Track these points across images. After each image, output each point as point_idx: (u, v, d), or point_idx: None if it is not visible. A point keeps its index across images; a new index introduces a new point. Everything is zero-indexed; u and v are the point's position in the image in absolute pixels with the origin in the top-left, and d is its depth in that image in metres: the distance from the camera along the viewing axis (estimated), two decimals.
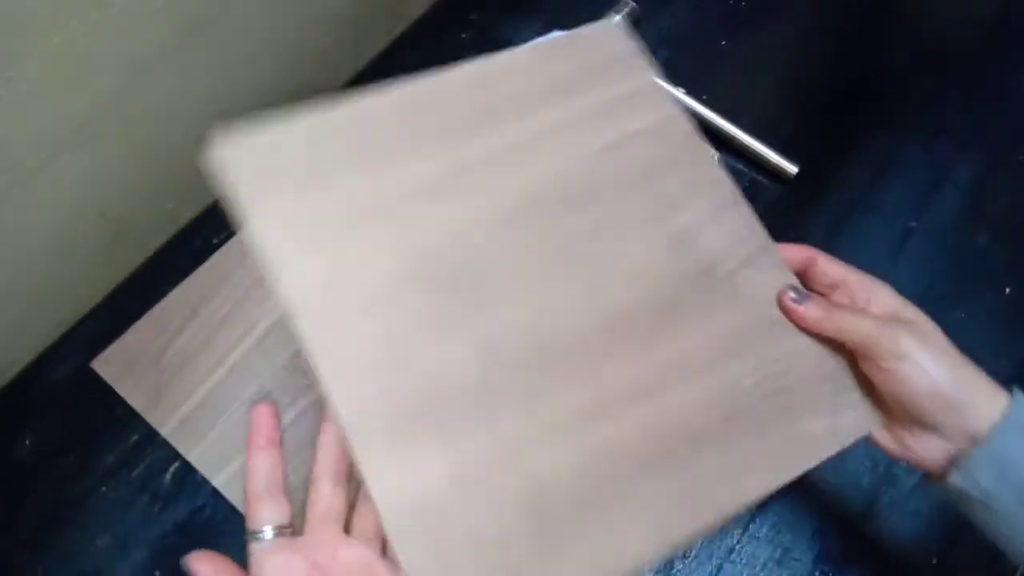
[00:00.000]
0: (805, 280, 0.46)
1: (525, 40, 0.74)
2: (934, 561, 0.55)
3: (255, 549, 0.40)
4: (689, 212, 0.45)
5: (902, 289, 0.63)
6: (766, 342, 0.43)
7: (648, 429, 0.39)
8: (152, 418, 0.59)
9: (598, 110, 0.46)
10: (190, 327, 0.61)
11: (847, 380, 0.44)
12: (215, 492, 0.56)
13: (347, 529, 0.44)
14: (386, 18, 0.77)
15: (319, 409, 0.58)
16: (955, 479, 0.41)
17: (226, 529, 0.55)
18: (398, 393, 0.36)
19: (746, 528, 0.56)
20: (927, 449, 0.42)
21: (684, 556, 0.55)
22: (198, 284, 0.63)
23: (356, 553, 0.42)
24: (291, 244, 0.38)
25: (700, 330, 0.42)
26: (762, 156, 0.68)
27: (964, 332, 0.61)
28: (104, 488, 0.57)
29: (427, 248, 0.40)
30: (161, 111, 0.62)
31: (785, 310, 0.44)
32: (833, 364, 0.44)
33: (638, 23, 0.73)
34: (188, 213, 0.69)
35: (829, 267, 0.46)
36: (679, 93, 0.69)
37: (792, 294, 0.44)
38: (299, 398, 0.59)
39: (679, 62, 0.73)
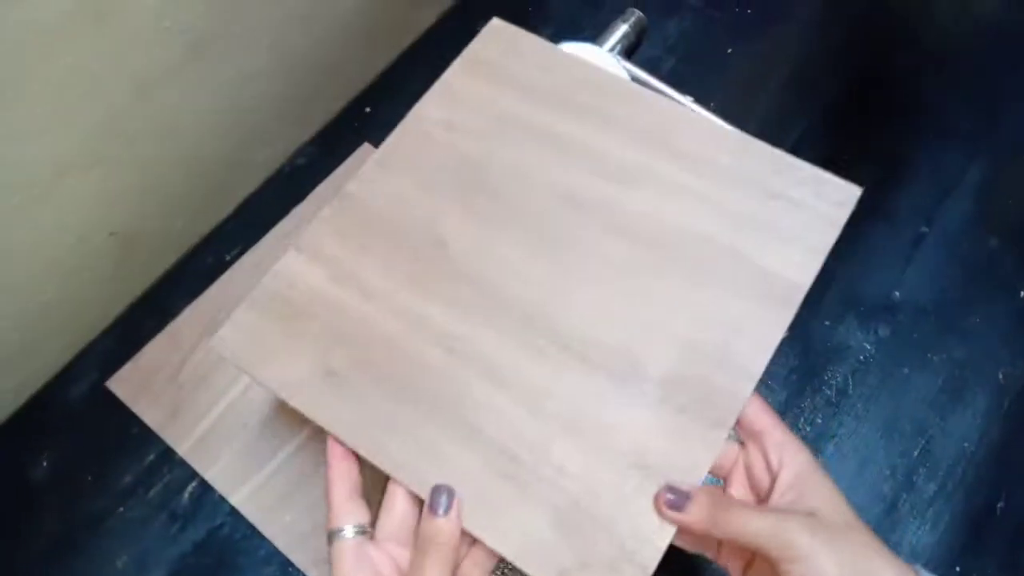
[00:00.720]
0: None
1: None
2: (957, 569, 0.55)
3: (337, 545, 0.41)
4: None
5: (915, 295, 0.63)
6: None
7: None
8: (168, 437, 0.59)
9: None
10: (205, 344, 0.61)
11: None
12: (233, 511, 0.56)
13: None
14: (394, 31, 0.77)
15: None
16: None
17: (245, 548, 0.55)
18: None
19: None
20: None
21: (705, 568, 0.55)
22: (212, 301, 0.63)
23: None
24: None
25: None
26: None
27: (979, 338, 0.62)
28: (122, 508, 0.56)
29: None
30: (169, 129, 0.63)
31: (664, 517, 0.39)
32: None
33: (645, 32, 0.72)
34: (199, 230, 0.69)
35: (757, 415, 0.44)
36: (687, 101, 0.69)
37: (669, 496, 0.39)
38: None
39: (686, 70, 0.73)
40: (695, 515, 0.39)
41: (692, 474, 0.40)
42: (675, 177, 0.48)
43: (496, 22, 0.55)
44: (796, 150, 0.68)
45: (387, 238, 0.48)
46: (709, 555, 0.46)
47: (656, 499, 0.40)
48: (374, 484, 0.44)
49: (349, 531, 0.41)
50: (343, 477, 0.43)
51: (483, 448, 0.41)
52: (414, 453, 0.42)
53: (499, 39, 0.55)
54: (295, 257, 0.48)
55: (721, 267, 0.45)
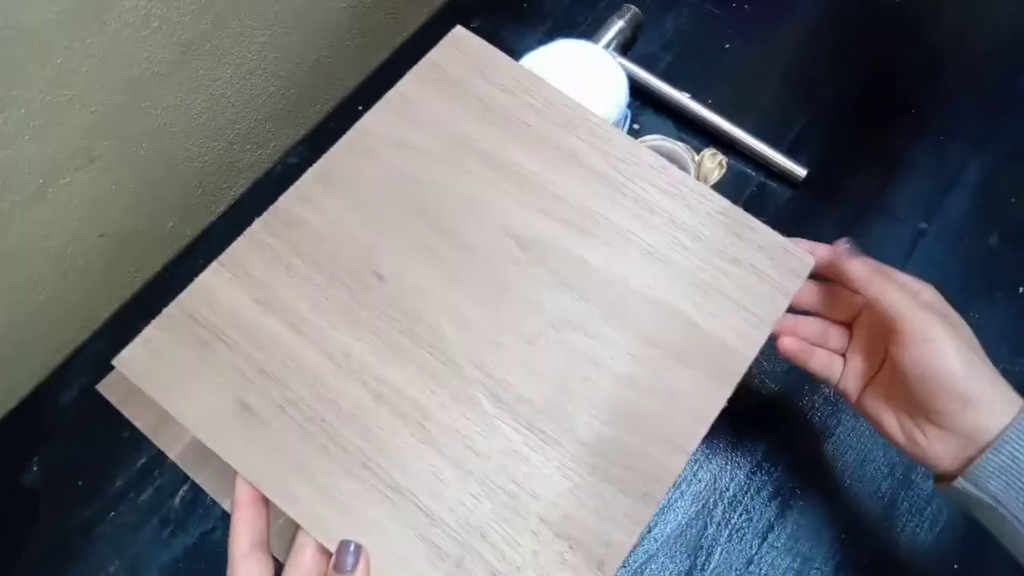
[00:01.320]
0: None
1: (526, 47, 0.74)
2: (956, 567, 0.55)
3: None
4: None
5: None
6: None
7: None
8: (160, 441, 0.57)
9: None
10: None
11: None
12: (225, 515, 0.55)
13: None
14: (386, 30, 0.76)
15: None
16: (963, 483, 0.41)
17: None
18: None
19: (764, 538, 0.55)
20: (935, 447, 0.42)
21: (702, 569, 0.54)
22: None
23: None
24: None
25: None
26: (770, 159, 0.67)
27: (978, 333, 0.61)
28: (113, 513, 0.56)
29: None
30: (159, 129, 0.62)
31: (838, 257, 0.45)
32: None
33: (641, 28, 0.72)
34: (190, 231, 0.68)
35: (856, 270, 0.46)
36: (684, 98, 0.69)
37: (847, 244, 0.45)
38: None
39: (683, 66, 0.73)
40: (860, 268, 0.44)
41: (614, 551, 0.38)
42: (631, 229, 0.45)
43: (459, 31, 0.51)
44: (794, 147, 0.68)
45: (320, 264, 0.44)
46: (831, 379, 0.48)
47: (836, 244, 0.45)
48: (284, 528, 0.41)
49: None
50: (248, 525, 0.40)
51: (402, 506, 0.39)
52: (328, 505, 0.39)
53: (462, 51, 0.50)
54: (216, 272, 0.43)
55: (668, 331, 0.43)
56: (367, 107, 0.72)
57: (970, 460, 0.41)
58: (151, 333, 0.42)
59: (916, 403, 0.42)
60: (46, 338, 0.62)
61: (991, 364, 0.42)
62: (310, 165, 0.68)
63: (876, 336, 0.47)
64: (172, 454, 0.57)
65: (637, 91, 0.71)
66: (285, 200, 0.45)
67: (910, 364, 0.41)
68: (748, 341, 0.43)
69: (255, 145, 0.72)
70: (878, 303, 0.43)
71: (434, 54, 0.50)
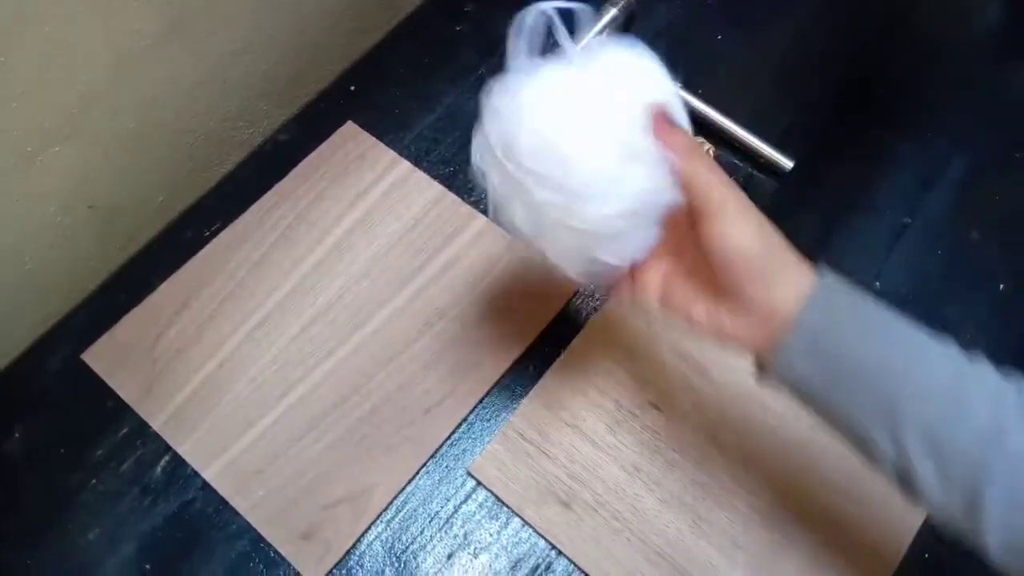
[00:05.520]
0: None
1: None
2: (926, 556, 0.55)
3: None
4: None
5: (896, 284, 0.63)
6: None
7: None
8: (143, 411, 0.58)
9: None
10: (181, 319, 0.61)
11: None
12: (206, 485, 0.56)
13: None
14: (381, 10, 0.76)
15: (310, 403, 0.58)
16: (775, 369, 0.40)
17: (217, 522, 0.55)
18: None
19: None
20: (742, 331, 0.41)
21: None
22: (189, 276, 0.63)
23: None
24: None
25: None
26: (757, 151, 0.68)
27: (958, 328, 0.61)
28: (94, 481, 0.56)
29: None
30: (150, 103, 0.62)
31: (657, 123, 0.41)
32: None
33: (634, 17, 0.72)
34: (179, 205, 0.68)
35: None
36: (675, 88, 0.69)
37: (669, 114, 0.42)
38: (290, 391, 0.58)
39: (675, 57, 0.71)
40: (683, 138, 0.41)
41: None
42: None
43: None
44: (783, 140, 0.68)
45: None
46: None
47: (657, 110, 0.41)
48: None
49: None
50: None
51: None
52: None
53: None
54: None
55: None
56: (359, 87, 0.73)
57: (776, 347, 0.40)
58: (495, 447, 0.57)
59: (721, 286, 0.41)
60: (31, 307, 0.62)
61: (779, 234, 0.41)
62: (301, 142, 0.69)
63: (680, 230, 0.44)
64: (155, 424, 0.58)
65: None
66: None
67: (714, 239, 0.40)
68: None
69: (247, 123, 0.72)
70: (691, 178, 0.41)
71: None
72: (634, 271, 0.46)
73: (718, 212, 0.40)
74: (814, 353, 0.39)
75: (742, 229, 0.40)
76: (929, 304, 0.63)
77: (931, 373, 0.38)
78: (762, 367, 0.43)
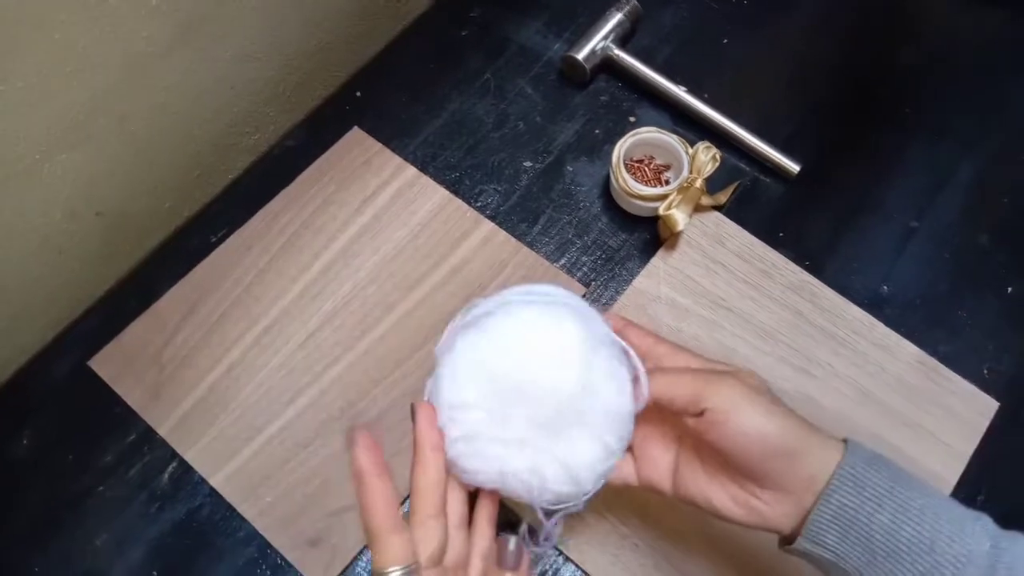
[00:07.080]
0: None
1: (525, 37, 0.74)
2: None
3: None
4: None
5: (904, 288, 0.63)
6: None
7: None
8: (150, 417, 0.58)
9: None
10: (188, 325, 0.61)
11: None
12: (213, 492, 0.56)
13: None
14: (388, 15, 0.76)
15: (317, 409, 0.58)
16: (801, 542, 0.39)
17: (224, 529, 0.55)
18: None
19: None
20: (773, 508, 0.40)
21: None
22: (196, 282, 0.63)
23: None
24: None
25: None
26: (764, 154, 0.67)
27: (966, 332, 0.62)
28: (102, 487, 0.56)
29: None
30: (158, 109, 0.62)
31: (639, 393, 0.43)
32: None
33: (639, 21, 0.72)
34: (186, 211, 0.68)
35: (637, 338, 0.45)
36: (680, 91, 0.69)
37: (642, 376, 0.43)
38: (297, 397, 0.58)
39: (681, 60, 0.73)
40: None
41: None
42: (849, 373, 0.59)
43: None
44: (790, 143, 0.68)
45: None
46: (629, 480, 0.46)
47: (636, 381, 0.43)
48: None
49: (397, 572, 0.38)
50: (383, 499, 0.39)
51: None
52: None
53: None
54: None
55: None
56: (365, 93, 0.73)
57: (805, 520, 0.39)
58: None
59: (742, 472, 0.40)
60: (39, 313, 0.62)
61: (793, 410, 0.41)
62: (308, 148, 0.69)
63: (659, 424, 0.45)
64: (162, 430, 0.58)
65: (635, 84, 0.71)
66: None
67: (724, 439, 0.39)
68: (952, 471, 0.56)
69: (254, 129, 0.72)
70: (665, 402, 0.41)
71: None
72: (639, 471, 0.45)
73: (724, 412, 0.39)
74: (845, 526, 0.38)
75: (755, 417, 0.39)
76: (937, 309, 0.62)
77: (969, 548, 0.37)
78: (786, 538, 0.41)
